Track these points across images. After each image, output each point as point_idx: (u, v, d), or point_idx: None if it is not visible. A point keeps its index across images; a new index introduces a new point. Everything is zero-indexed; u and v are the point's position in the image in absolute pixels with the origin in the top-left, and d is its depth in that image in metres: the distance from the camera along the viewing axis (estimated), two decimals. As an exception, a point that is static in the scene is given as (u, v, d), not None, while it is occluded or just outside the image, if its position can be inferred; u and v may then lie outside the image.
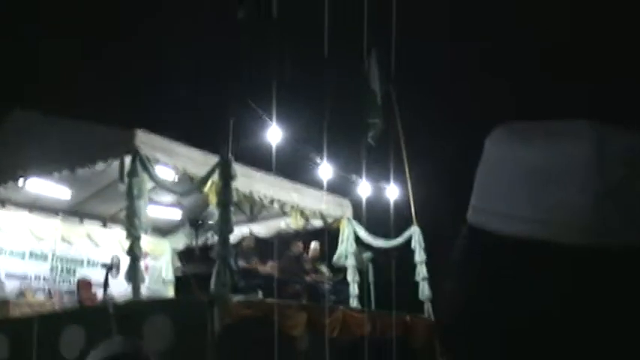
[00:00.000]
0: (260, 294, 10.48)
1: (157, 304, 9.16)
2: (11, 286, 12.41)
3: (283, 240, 13.15)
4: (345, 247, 13.16)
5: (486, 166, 0.70)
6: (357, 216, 13.19)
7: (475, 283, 0.67)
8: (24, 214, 13.06)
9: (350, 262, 13.09)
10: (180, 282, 12.23)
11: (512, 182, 0.65)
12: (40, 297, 12.79)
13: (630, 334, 0.61)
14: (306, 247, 12.97)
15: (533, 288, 0.63)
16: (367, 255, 12.96)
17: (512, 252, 0.64)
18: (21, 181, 10.79)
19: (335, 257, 13.14)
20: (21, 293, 12.42)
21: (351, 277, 13.04)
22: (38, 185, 11.79)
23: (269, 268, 11.86)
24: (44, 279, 13.32)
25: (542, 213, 0.63)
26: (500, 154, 0.68)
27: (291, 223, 13.20)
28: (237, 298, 8.68)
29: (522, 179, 0.64)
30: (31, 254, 13.17)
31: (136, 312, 8.27)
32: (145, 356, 2.08)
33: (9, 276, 12.61)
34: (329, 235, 12.94)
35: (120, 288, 10.91)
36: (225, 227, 8.68)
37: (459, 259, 0.71)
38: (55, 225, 13.48)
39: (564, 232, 0.61)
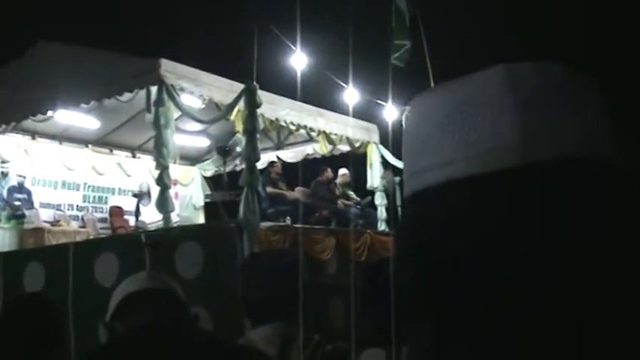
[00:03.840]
0: (288, 220, 10.60)
1: (187, 231, 9.30)
2: (46, 215, 12.69)
3: (310, 166, 13.20)
4: (375, 172, 13.20)
5: (407, 134, 0.71)
6: (384, 140, 13.18)
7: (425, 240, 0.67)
8: (54, 145, 13.25)
9: (378, 187, 13.15)
10: (209, 208, 12.38)
11: (434, 133, 0.66)
12: (74, 225, 13.08)
13: (559, 243, 0.62)
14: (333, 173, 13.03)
15: (478, 223, 0.63)
16: (395, 179, 13.00)
17: (454, 195, 0.65)
18: (50, 113, 10.88)
19: (370, 182, 13.18)
20: (56, 221, 12.70)
21: (379, 200, 13.12)
22: (67, 116, 11.90)
23: (297, 193, 11.95)
24: (77, 208, 13.60)
25: (469, 149, 0.64)
26: (417, 114, 0.70)
27: (318, 148, 13.24)
28: (265, 223, 8.79)
29: (443, 125, 0.66)
30: (64, 184, 13.42)
31: (167, 240, 8.41)
32: (171, 290, 2.12)
33: (43, 205, 12.88)
34: (355, 160, 12.96)
35: (151, 215, 11.10)
36: (251, 154, 8.71)
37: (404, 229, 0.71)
38: (86, 155, 13.67)
39: (493, 160, 0.63)
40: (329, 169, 12.79)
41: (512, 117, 0.63)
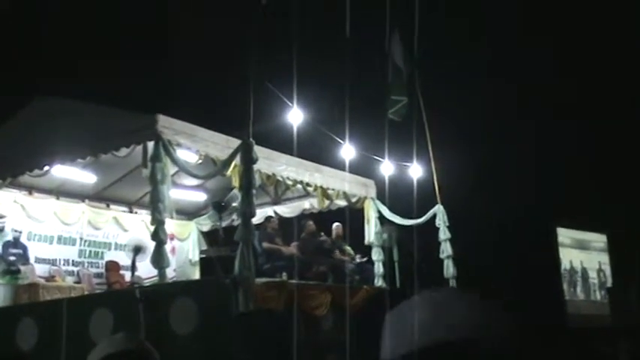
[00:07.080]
0: (284, 275, 10.54)
1: (182, 287, 9.25)
2: (41, 270, 12.61)
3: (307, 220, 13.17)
4: (371, 227, 13.16)
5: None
6: (381, 195, 13.18)
7: None
8: (51, 201, 13.23)
9: (374, 242, 13.10)
10: (205, 264, 12.30)
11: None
12: (70, 280, 12.98)
13: None
14: (324, 228, 12.99)
15: None
16: (392, 234, 12.97)
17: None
18: (46, 168, 10.89)
19: (368, 237, 13.11)
20: (51, 277, 12.61)
21: (376, 256, 13.06)
22: (64, 171, 11.88)
23: (293, 249, 11.91)
24: (73, 263, 13.52)
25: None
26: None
27: (315, 203, 13.23)
28: (261, 279, 8.73)
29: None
30: (60, 239, 13.37)
31: (162, 295, 8.36)
32: (146, 352, 2.13)
33: (39, 260, 12.82)
34: (352, 215, 12.93)
35: (147, 270, 11.02)
36: (247, 210, 8.69)
37: None
38: (82, 210, 13.65)
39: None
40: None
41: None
